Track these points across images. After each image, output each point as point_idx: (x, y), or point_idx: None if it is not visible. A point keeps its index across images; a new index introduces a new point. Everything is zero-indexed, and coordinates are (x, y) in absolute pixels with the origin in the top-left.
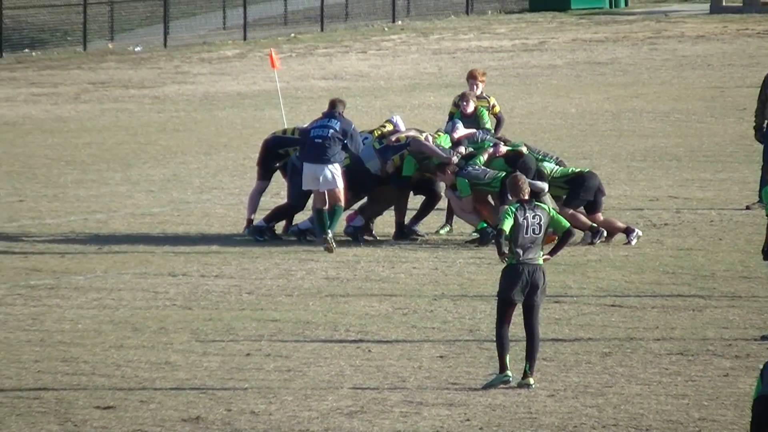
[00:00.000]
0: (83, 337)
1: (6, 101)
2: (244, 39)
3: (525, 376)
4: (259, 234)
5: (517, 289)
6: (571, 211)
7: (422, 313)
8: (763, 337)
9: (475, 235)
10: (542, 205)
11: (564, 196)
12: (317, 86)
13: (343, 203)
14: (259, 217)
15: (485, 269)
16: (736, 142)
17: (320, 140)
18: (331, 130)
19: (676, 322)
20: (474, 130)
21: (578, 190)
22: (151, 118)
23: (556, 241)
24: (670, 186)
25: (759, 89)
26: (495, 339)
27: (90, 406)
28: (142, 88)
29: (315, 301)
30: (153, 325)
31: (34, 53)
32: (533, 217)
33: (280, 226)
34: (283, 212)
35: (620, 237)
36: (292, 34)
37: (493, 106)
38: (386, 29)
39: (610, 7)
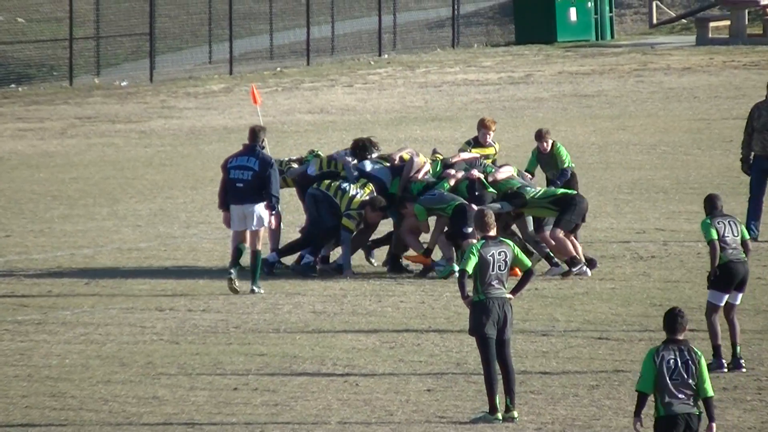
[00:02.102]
0: (71, 372)
1: None
2: (230, 73)
3: (508, 410)
4: (271, 267)
5: (490, 324)
6: (562, 234)
7: (409, 347)
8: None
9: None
10: (507, 241)
11: (551, 218)
12: (303, 120)
13: (260, 247)
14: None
15: None
16: (723, 174)
17: (242, 185)
18: (251, 173)
19: None
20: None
21: (568, 211)
22: (138, 152)
23: (519, 278)
24: (657, 218)
25: (745, 121)
26: (484, 379)
27: None
28: (129, 122)
29: (302, 336)
30: (140, 359)
31: (20, 88)
32: (499, 254)
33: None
34: (299, 246)
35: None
36: (278, 68)
37: (495, 153)
38: (372, 63)
39: (597, 39)
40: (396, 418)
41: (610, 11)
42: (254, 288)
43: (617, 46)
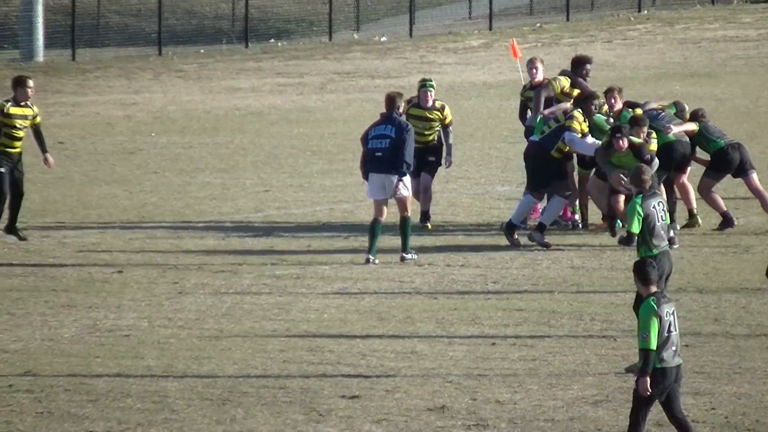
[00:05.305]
0: (329, 326)
1: (252, 91)
2: (490, 29)
3: None
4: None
5: (659, 277)
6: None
7: None
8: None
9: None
10: (658, 192)
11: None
12: None
13: (410, 213)
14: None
15: (730, 258)
16: None
17: (380, 153)
18: (388, 140)
19: None
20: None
21: (670, 160)
22: None
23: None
24: None
25: None
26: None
27: (335, 395)
28: (388, 78)
29: (560, 291)
30: (398, 314)
31: (279, 43)
32: (658, 204)
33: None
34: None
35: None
36: (538, 24)
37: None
38: (632, 19)
39: None
40: None
41: None
42: (404, 255)
43: None
